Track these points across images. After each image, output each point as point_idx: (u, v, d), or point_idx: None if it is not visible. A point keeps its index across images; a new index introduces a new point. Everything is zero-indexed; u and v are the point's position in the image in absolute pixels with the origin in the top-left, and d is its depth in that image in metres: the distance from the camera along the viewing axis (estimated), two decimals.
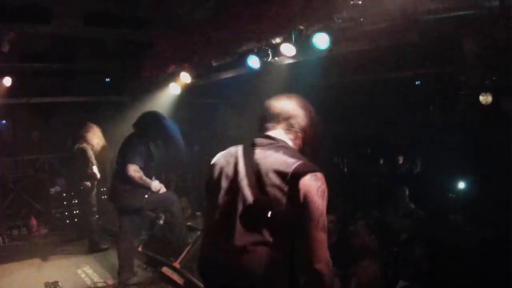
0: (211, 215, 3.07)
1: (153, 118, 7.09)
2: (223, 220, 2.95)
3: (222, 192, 3.04)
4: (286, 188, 2.79)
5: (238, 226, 2.85)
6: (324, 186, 2.83)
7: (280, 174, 2.81)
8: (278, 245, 2.80)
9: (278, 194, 2.80)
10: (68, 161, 9.90)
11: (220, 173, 3.12)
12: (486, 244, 6.05)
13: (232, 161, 3.10)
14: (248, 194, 2.88)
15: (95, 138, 9.14)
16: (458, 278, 5.56)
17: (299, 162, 2.83)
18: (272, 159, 2.91)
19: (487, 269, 5.54)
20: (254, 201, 2.84)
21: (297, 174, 2.78)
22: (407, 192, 8.41)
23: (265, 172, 2.87)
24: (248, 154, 3.03)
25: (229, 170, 3.07)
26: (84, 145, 9.00)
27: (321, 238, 2.77)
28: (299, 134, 3.14)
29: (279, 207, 2.79)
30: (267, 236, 2.78)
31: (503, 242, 5.82)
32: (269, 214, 2.77)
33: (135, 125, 7.05)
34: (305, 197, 2.76)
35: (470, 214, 7.44)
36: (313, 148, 3.20)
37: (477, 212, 7.42)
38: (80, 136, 9.11)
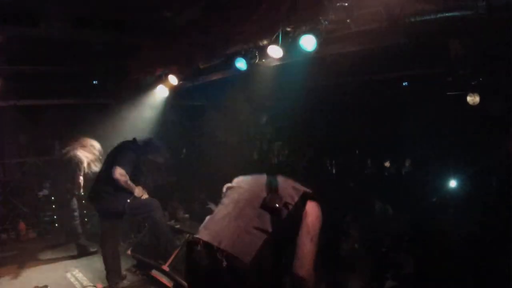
0: (225, 205, 3.50)
1: (157, 142, 7.49)
2: (235, 206, 3.39)
3: (241, 190, 3.56)
4: (296, 198, 3.35)
5: (246, 211, 3.30)
6: (321, 215, 3.40)
7: (295, 189, 3.43)
8: (273, 238, 3.16)
9: (289, 199, 3.33)
10: (55, 164, 9.84)
11: (242, 181, 3.71)
12: (473, 244, 6.08)
13: (256, 176, 3.66)
14: (263, 192, 3.38)
15: (93, 152, 9.09)
16: (446, 278, 5.59)
17: (310, 191, 3.47)
18: (290, 181, 3.51)
19: (474, 268, 5.57)
20: (267, 194, 3.33)
21: (309, 195, 3.42)
22: (379, 199, 8.48)
23: (283, 186, 3.43)
24: (271, 176, 3.56)
25: (253, 181, 3.63)
26: (81, 154, 8.95)
27: (311, 249, 3.25)
28: None
29: (286, 205, 3.29)
30: (267, 226, 3.18)
31: (490, 242, 5.86)
32: (276, 205, 3.25)
33: (139, 140, 7.22)
34: (306, 214, 3.34)
35: (457, 214, 7.47)
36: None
37: (465, 212, 7.46)
38: (79, 143, 9.05)
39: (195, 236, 3.34)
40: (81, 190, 9.12)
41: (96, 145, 9.09)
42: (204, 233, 3.28)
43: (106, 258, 7.11)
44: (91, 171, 8.93)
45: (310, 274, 3.18)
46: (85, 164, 8.97)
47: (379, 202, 8.32)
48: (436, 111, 8.80)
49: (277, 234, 3.18)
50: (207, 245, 3.14)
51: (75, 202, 9.18)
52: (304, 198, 3.38)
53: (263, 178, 3.56)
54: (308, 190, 3.46)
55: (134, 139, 7.22)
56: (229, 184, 3.78)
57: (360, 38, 5.78)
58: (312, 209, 3.37)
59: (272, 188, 3.39)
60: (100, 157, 8.91)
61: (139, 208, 7.07)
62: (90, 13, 7.16)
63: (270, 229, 3.16)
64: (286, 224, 3.26)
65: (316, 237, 3.29)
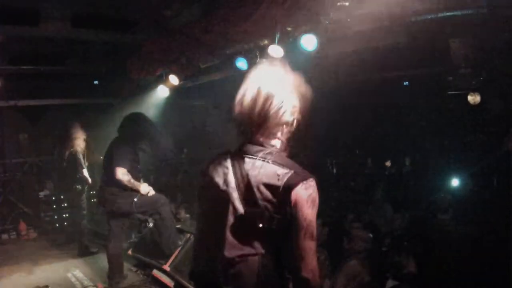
0: (202, 226, 3.05)
1: (135, 120, 7.08)
2: (213, 231, 2.90)
3: (213, 203, 2.97)
4: (277, 202, 2.72)
5: (229, 238, 2.81)
6: (314, 194, 2.76)
7: (271, 187, 2.74)
8: (269, 255, 2.78)
9: (269, 207, 2.73)
10: (56, 164, 9.84)
11: (210, 182, 2.99)
12: (474, 243, 6.08)
13: (221, 171, 2.96)
14: (238, 206, 2.80)
15: (82, 140, 9.13)
16: (446, 277, 5.59)
17: (290, 173, 2.75)
18: (262, 171, 2.80)
19: (475, 267, 5.57)
20: (245, 213, 2.78)
21: (288, 187, 2.71)
22: (380, 194, 8.47)
23: (256, 185, 2.78)
24: (238, 164, 2.91)
25: (219, 181, 2.93)
26: (75, 149, 8.97)
27: (309, 246, 2.74)
28: (286, 129, 2.95)
29: (270, 220, 2.74)
30: (258, 248, 2.76)
31: (491, 241, 5.85)
32: (260, 225, 2.73)
33: (120, 128, 7.05)
34: (295, 207, 2.71)
35: (458, 213, 7.48)
36: (303, 143, 3.08)
37: (465, 211, 7.46)
38: (68, 139, 9.07)
39: (192, 276, 3.10)
40: (89, 180, 9.12)
41: (81, 129, 9.18)
42: (198, 273, 3.04)
43: (111, 257, 7.07)
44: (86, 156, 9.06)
45: (316, 274, 2.76)
46: (81, 156, 9.04)
47: (379, 201, 8.33)
48: (437, 110, 8.81)
49: (271, 249, 2.83)
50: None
51: (85, 200, 9.22)
52: (285, 194, 2.71)
53: (231, 178, 2.89)
54: (285, 177, 2.73)
55: (120, 132, 7.07)
56: (200, 182, 3.13)
57: (361, 38, 5.77)
58: (299, 199, 2.71)
59: (245, 199, 2.79)
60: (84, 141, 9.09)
61: (147, 206, 6.99)
62: (90, 13, 7.16)
63: (262, 250, 2.78)
64: (277, 234, 2.79)
65: (314, 230, 2.76)
